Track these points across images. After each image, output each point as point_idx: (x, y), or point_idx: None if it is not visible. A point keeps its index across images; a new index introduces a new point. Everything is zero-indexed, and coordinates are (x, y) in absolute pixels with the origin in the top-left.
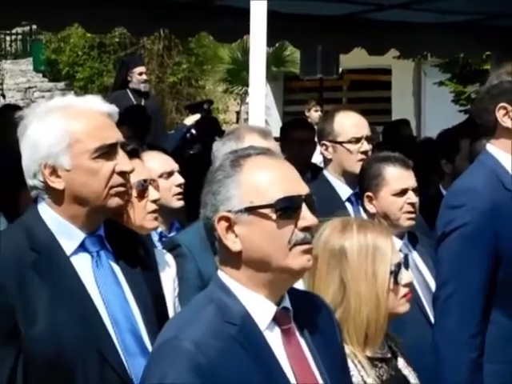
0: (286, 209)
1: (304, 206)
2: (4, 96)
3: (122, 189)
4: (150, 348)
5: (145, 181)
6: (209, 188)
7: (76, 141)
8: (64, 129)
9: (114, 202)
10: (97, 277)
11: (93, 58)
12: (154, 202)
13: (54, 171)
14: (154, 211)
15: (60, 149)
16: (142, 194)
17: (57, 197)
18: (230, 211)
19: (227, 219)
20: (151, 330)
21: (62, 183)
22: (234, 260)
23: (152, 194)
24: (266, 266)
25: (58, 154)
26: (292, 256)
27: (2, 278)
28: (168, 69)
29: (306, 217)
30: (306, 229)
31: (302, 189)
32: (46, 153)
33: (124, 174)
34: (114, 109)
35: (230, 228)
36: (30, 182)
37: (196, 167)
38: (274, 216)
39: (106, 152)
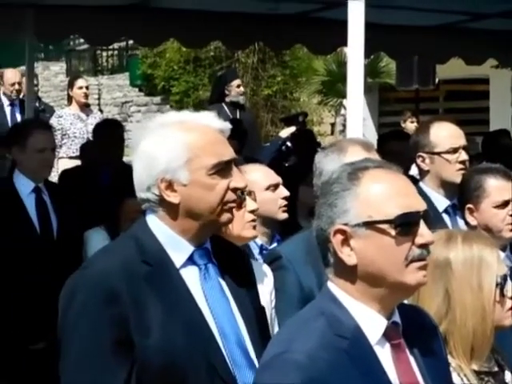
0: (405, 225)
1: (422, 223)
2: (102, 111)
3: (234, 204)
4: (255, 360)
5: (242, 192)
6: (324, 199)
7: (195, 156)
8: (184, 144)
9: (226, 217)
10: (205, 289)
11: (188, 72)
12: (252, 212)
13: (169, 185)
14: (252, 221)
15: (179, 164)
16: (239, 205)
17: (171, 210)
18: (346, 224)
19: (343, 232)
20: (256, 342)
21: (178, 197)
22: (348, 273)
23: (250, 204)
24: (380, 280)
25: (177, 169)
26: (408, 272)
27: (117, 290)
28: (263, 81)
29: (424, 233)
30: (423, 245)
31: (420, 204)
32: (165, 167)
33: (236, 190)
34: (226, 125)
35: (345, 241)
36: (143, 195)
37: (291, 179)
38: (392, 232)
39: (222, 169)
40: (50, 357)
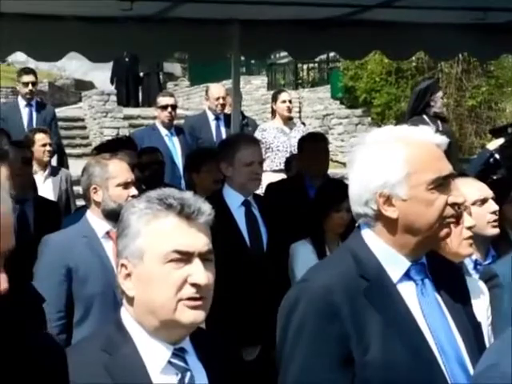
0: None
1: None
2: (304, 124)
3: (452, 220)
4: None
5: (459, 206)
6: None
7: (414, 171)
8: (403, 159)
9: (444, 232)
10: (422, 305)
11: (390, 84)
12: (469, 228)
13: (387, 200)
14: (469, 237)
15: (398, 178)
16: (457, 220)
17: (389, 225)
18: None
19: None
20: (474, 358)
21: (396, 212)
22: None
23: (467, 220)
24: None
25: (395, 184)
26: None
27: (338, 305)
28: (467, 92)
29: None
30: None
31: None
32: (383, 182)
33: (455, 205)
34: (444, 140)
35: None
36: (360, 209)
37: (500, 193)
38: None
39: (441, 184)
40: (262, 365)
